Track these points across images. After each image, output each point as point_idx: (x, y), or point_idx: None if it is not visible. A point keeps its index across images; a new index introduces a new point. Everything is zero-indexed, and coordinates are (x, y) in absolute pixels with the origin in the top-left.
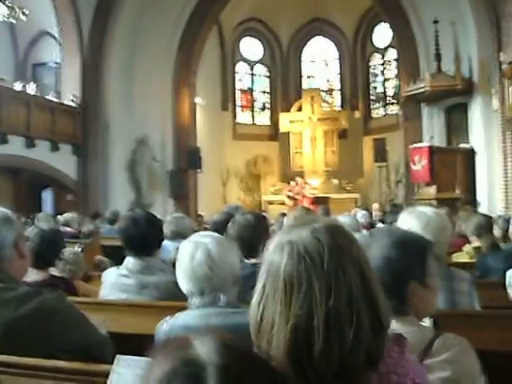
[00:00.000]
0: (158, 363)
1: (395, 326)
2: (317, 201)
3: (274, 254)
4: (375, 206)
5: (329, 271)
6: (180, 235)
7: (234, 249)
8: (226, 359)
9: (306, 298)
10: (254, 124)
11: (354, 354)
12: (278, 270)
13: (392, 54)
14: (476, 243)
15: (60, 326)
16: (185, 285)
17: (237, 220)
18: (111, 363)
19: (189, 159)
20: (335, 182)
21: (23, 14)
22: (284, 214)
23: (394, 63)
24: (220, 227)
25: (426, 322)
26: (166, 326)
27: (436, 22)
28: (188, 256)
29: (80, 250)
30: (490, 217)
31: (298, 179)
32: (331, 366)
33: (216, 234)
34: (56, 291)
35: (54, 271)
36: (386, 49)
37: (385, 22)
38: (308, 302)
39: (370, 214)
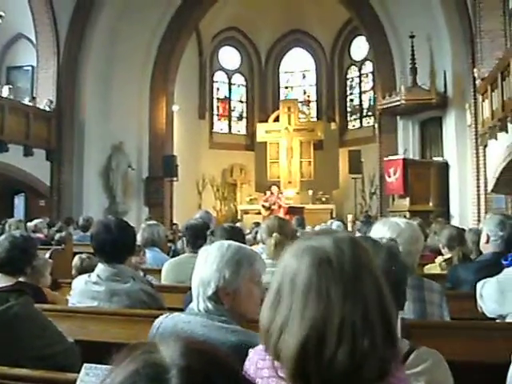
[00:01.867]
0: (121, 366)
1: None
2: (292, 211)
3: (293, 258)
4: (350, 217)
5: (347, 281)
6: (153, 243)
7: (236, 263)
8: (190, 362)
9: (322, 304)
10: (230, 133)
11: (366, 364)
12: (296, 274)
13: (369, 67)
14: (448, 255)
15: (25, 333)
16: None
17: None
18: (78, 372)
19: (165, 167)
20: (310, 192)
21: None
22: (258, 224)
23: (371, 76)
24: (194, 233)
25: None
26: (160, 323)
27: (412, 36)
28: (205, 256)
29: (48, 256)
30: (462, 229)
31: (274, 188)
32: (338, 375)
33: (229, 244)
34: (22, 297)
35: (22, 278)
36: (362, 62)
37: (362, 35)
38: (323, 309)
39: (345, 225)
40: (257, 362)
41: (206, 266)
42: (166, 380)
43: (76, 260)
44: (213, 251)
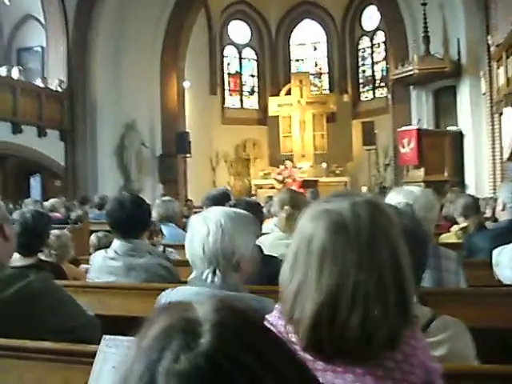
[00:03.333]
0: (157, 321)
1: None
2: (306, 184)
3: (310, 222)
4: (364, 189)
5: (363, 247)
6: (168, 219)
7: (246, 227)
8: (222, 317)
9: (336, 270)
10: (242, 108)
11: (377, 332)
12: (312, 239)
13: (380, 36)
14: (463, 224)
15: (45, 308)
16: (189, 255)
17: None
18: (98, 344)
19: (178, 144)
20: (324, 165)
21: None
22: (271, 198)
23: (383, 46)
24: (215, 202)
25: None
26: (166, 298)
27: (424, 4)
28: (199, 229)
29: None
30: (477, 198)
31: (288, 162)
32: (349, 342)
33: (238, 212)
34: (42, 273)
35: (41, 256)
36: (374, 32)
37: (373, 4)
38: (338, 274)
39: None
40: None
41: (217, 236)
42: (199, 333)
43: (93, 238)
44: (219, 221)
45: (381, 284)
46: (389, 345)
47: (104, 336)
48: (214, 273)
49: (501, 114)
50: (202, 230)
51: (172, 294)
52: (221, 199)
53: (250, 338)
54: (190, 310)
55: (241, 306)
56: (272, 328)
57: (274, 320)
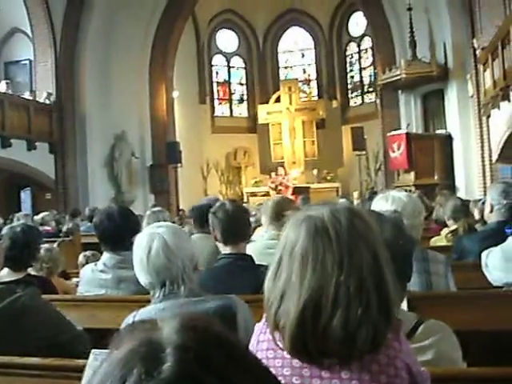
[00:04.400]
0: (121, 343)
1: None
2: (297, 191)
3: (292, 228)
4: (355, 194)
5: (343, 249)
6: None
7: (188, 237)
8: (185, 340)
9: (318, 273)
10: (232, 116)
11: (359, 332)
12: (294, 243)
13: (367, 42)
14: (453, 227)
15: (33, 324)
16: (143, 278)
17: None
18: (87, 358)
19: (168, 154)
20: (315, 171)
21: None
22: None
23: (370, 51)
24: (200, 213)
25: (402, 304)
26: (133, 320)
27: (410, 9)
28: (144, 248)
29: (55, 245)
30: (467, 200)
31: (280, 169)
32: (332, 343)
33: (170, 224)
34: (29, 289)
35: (31, 271)
36: (361, 37)
37: (359, 10)
38: (320, 278)
39: (351, 202)
40: (258, 335)
41: (151, 253)
42: (160, 358)
43: (81, 258)
44: (155, 235)
45: (362, 285)
46: (372, 346)
47: (93, 350)
48: (173, 284)
49: (488, 116)
50: (156, 245)
51: (138, 317)
52: (206, 210)
53: (212, 358)
54: (154, 331)
55: (204, 323)
56: (261, 335)
57: (263, 328)
